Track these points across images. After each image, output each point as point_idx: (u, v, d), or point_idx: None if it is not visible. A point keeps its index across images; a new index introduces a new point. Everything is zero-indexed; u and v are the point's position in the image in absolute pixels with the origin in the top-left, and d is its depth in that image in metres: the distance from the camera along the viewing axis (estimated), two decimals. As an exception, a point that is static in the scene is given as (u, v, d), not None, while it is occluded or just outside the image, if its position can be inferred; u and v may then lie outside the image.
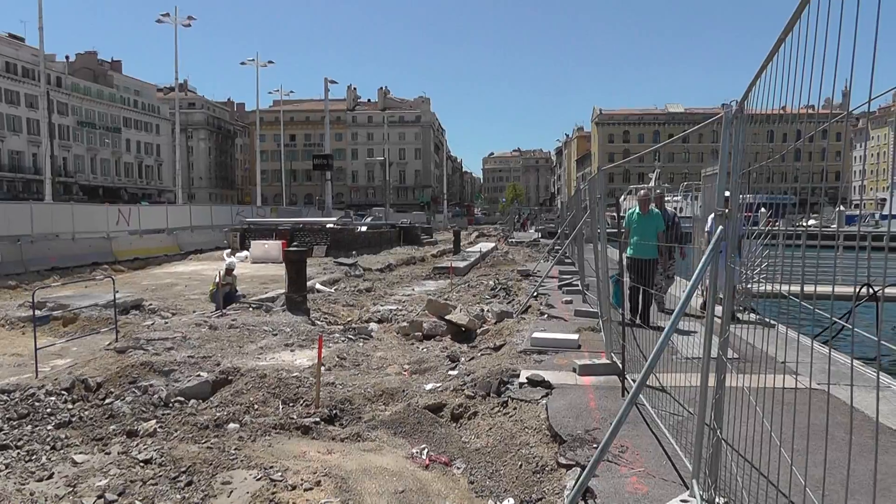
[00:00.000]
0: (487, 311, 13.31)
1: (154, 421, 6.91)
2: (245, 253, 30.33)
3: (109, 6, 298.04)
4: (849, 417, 5.20)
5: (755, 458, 3.57)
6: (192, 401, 7.82)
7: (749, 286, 8.27)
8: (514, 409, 6.85)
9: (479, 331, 11.83)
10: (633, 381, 5.77)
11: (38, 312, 12.38)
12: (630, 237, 10.36)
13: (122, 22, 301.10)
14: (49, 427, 6.92)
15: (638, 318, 9.37)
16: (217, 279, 15.23)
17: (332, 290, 19.55)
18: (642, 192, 11.77)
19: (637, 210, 10.62)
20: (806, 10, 2.48)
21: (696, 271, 4.13)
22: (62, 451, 6.17)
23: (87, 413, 7.40)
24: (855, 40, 2.04)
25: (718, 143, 4.04)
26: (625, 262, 9.57)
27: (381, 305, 16.74)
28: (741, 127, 3.80)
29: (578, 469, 5.08)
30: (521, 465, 5.60)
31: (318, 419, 7.05)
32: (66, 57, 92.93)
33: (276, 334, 11.40)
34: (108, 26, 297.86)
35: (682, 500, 4.31)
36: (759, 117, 3.60)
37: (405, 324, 12.85)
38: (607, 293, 8.58)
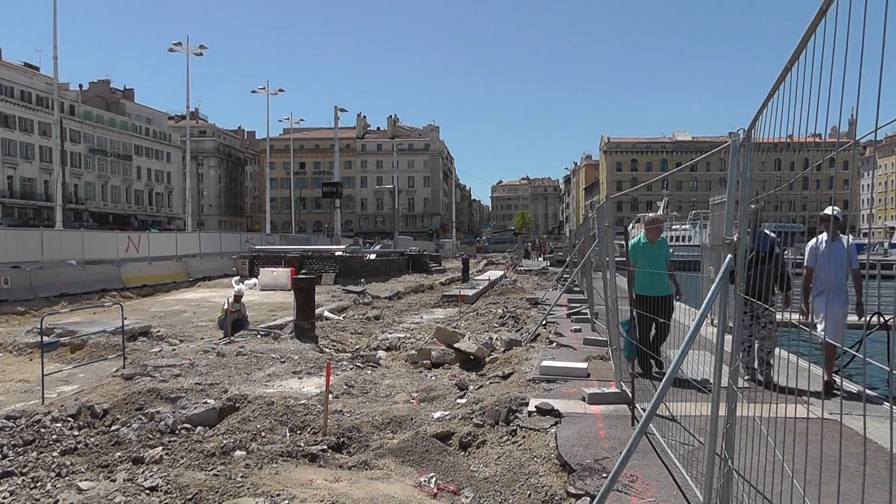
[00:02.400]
0: (496, 339, 13.26)
1: (160, 448, 6.88)
2: (254, 280, 30.42)
3: (123, 35, 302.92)
4: (862, 448, 5.14)
5: (767, 489, 3.52)
6: (199, 428, 7.80)
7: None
8: (523, 437, 6.80)
9: (487, 359, 11.78)
10: (643, 409, 5.73)
11: (45, 339, 12.41)
12: (637, 270, 8.76)
13: (135, 51, 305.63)
14: (54, 453, 6.91)
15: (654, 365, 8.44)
16: (226, 306, 15.27)
17: (341, 318, 19.55)
18: (650, 215, 10.04)
19: (643, 238, 9.07)
20: (812, 39, 2.50)
21: (706, 301, 4.11)
22: (67, 478, 6.15)
23: (92, 440, 7.39)
24: (861, 69, 2.05)
25: (726, 171, 4.05)
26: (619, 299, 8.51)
27: (390, 333, 16.73)
28: (749, 155, 3.80)
29: (588, 499, 5.02)
30: (530, 495, 5.55)
31: (325, 447, 7.01)
32: (80, 85, 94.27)
33: (284, 362, 11.39)
34: (122, 55, 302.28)
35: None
36: (767, 146, 3.61)
37: (413, 352, 12.81)
38: (616, 322, 8.50)
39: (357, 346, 14.96)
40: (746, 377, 7.44)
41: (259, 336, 14.21)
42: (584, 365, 9.45)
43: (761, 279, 6.48)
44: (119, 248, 31.13)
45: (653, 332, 8.43)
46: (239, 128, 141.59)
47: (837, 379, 7.60)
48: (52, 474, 6.26)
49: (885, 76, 1.97)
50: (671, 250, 9.59)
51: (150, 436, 7.44)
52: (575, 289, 21.14)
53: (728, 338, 4.08)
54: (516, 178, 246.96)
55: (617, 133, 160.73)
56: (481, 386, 9.68)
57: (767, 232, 7.68)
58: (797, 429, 3.36)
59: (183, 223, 63.82)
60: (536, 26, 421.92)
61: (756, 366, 7.94)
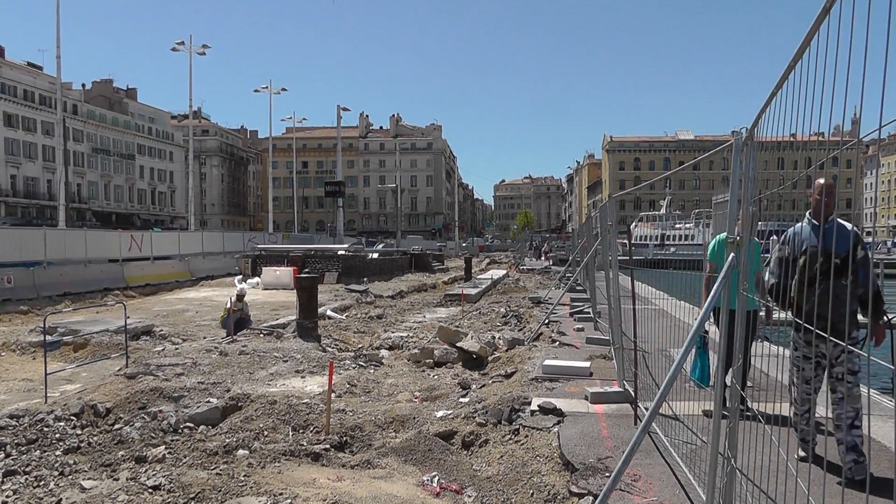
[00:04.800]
0: (499, 338, 13.25)
1: (163, 447, 6.89)
2: (256, 279, 30.41)
3: (126, 35, 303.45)
4: (866, 447, 5.12)
5: (770, 488, 3.52)
6: (202, 427, 7.81)
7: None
8: (526, 436, 6.80)
9: (490, 358, 11.77)
10: (646, 409, 5.72)
11: (49, 338, 12.43)
12: (717, 278, 6.64)
13: (138, 50, 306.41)
14: (57, 452, 6.92)
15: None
16: (228, 305, 15.27)
17: (344, 317, 19.55)
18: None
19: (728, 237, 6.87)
20: (815, 37, 2.49)
21: (708, 300, 4.10)
22: (70, 477, 6.16)
23: (95, 438, 7.40)
24: (865, 67, 2.04)
25: (729, 170, 4.04)
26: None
27: (392, 332, 16.72)
28: (751, 154, 3.79)
29: (591, 498, 5.02)
30: (532, 494, 5.54)
31: (328, 446, 7.02)
32: (83, 85, 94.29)
33: (286, 361, 11.39)
34: (125, 54, 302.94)
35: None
36: (770, 144, 3.59)
37: (416, 351, 12.81)
38: (619, 321, 8.48)
39: (360, 346, 14.95)
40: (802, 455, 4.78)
41: (262, 335, 14.21)
42: (587, 364, 9.45)
43: (836, 300, 4.60)
44: (122, 248, 31.13)
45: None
46: (241, 127, 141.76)
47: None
48: (56, 473, 6.27)
49: (889, 74, 1.97)
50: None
51: (153, 435, 7.44)
52: (577, 288, 21.12)
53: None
54: (519, 177, 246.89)
55: (620, 132, 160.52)
56: (484, 385, 9.68)
57: (846, 224, 5.15)
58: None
59: (186, 222, 63.84)
60: (539, 25, 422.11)
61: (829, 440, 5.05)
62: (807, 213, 5.17)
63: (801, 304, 4.90)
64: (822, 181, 4.96)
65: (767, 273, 5.34)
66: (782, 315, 5.37)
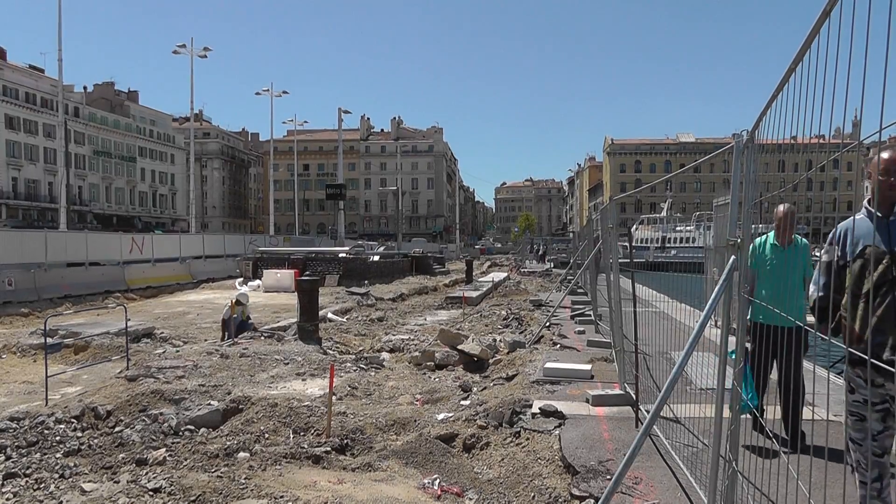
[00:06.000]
0: (500, 341, 13.24)
1: (164, 449, 6.89)
2: (257, 282, 30.43)
3: (127, 38, 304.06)
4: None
5: (772, 491, 3.51)
6: (203, 429, 7.80)
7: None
8: (527, 439, 6.79)
9: (491, 361, 11.77)
10: (647, 411, 5.71)
11: (49, 340, 12.43)
12: (758, 288, 5.85)
13: (140, 53, 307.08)
14: (58, 455, 6.92)
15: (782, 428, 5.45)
16: (224, 316, 15.31)
17: (344, 320, 19.55)
18: (782, 207, 5.70)
19: (772, 238, 5.94)
20: (816, 40, 2.49)
21: (709, 302, 4.10)
22: (71, 480, 6.16)
23: (96, 441, 7.40)
24: (865, 70, 2.04)
25: (730, 172, 4.03)
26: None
27: (394, 335, 16.71)
28: (752, 157, 3.79)
29: (592, 501, 5.02)
30: (533, 497, 5.54)
31: (329, 448, 7.01)
32: (84, 87, 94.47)
33: (287, 363, 11.38)
34: (126, 57, 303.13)
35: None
36: (771, 147, 3.58)
37: (417, 353, 12.81)
38: (620, 323, 8.47)
39: (361, 348, 14.95)
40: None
41: (262, 338, 14.20)
42: (588, 367, 9.44)
43: None
44: (123, 250, 31.17)
45: (772, 376, 5.56)
46: (243, 130, 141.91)
47: None
48: (56, 476, 6.27)
49: (890, 76, 1.96)
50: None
51: (154, 437, 7.44)
52: (578, 290, 21.11)
53: (732, 339, 4.07)
54: (520, 179, 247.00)
55: (621, 134, 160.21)
56: (485, 388, 9.67)
57: None
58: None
59: (187, 225, 63.91)
60: (540, 28, 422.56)
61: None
62: (864, 202, 3.73)
63: (859, 326, 3.45)
64: (885, 154, 3.60)
65: (811, 285, 3.99)
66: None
